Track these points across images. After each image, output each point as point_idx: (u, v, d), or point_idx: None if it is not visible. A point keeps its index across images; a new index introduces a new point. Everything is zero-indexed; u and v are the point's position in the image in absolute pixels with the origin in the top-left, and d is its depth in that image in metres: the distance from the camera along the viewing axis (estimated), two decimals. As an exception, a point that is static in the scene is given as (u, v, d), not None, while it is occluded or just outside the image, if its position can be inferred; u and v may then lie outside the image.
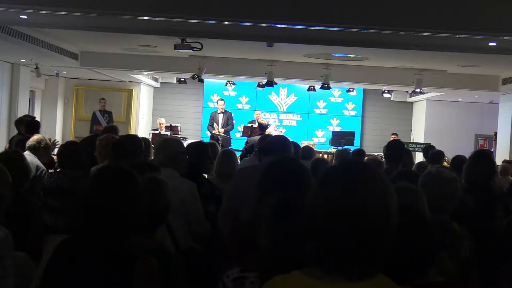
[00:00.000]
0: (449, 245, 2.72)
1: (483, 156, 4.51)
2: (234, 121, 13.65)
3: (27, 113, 12.07)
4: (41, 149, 5.64)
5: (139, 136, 5.23)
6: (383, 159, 6.34)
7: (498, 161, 8.71)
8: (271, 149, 4.06)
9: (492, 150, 12.20)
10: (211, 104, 16.08)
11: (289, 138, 4.28)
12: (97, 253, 2.05)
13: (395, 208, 1.45)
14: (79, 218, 2.14)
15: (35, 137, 5.83)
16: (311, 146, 10.54)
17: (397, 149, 5.55)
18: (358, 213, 1.40)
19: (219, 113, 13.60)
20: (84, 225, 2.10)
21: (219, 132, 13.04)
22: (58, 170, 4.83)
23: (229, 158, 5.41)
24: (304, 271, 1.45)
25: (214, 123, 13.40)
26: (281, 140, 4.19)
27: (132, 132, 14.21)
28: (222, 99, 14.21)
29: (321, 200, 1.44)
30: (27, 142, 5.73)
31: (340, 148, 11.02)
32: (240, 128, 12.76)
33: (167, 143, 4.26)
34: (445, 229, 2.83)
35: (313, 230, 1.44)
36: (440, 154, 7.08)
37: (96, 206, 2.10)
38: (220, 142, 12.61)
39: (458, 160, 5.68)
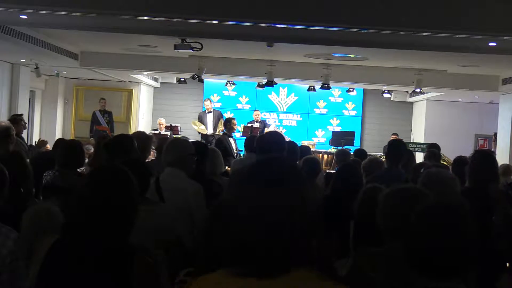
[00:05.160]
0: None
1: (487, 157, 4.47)
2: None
3: (27, 113, 12.07)
4: None
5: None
6: (383, 159, 6.36)
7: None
8: (265, 148, 4.17)
9: (492, 150, 12.19)
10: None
11: (285, 136, 4.37)
12: (95, 253, 2.05)
13: (301, 207, 1.41)
14: (77, 217, 2.13)
15: None
16: (311, 146, 10.55)
17: (398, 149, 5.58)
18: (264, 212, 1.37)
19: (208, 112, 13.65)
20: (83, 225, 2.10)
21: (203, 131, 13.07)
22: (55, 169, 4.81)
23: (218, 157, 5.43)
24: (229, 269, 1.42)
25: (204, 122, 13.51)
26: (274, 139, 4.28)
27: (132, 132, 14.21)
28: (208, 99, 14.39)
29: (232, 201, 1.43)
30: None
31: (340, 148, 11.03)
32: (240, 128, 12.74)
33: (176, 144, 4.32)
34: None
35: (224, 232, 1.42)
36: (438, 154, 7.17)
37: (97, 205, 2.10)
38: (218, 142, 12.60)
39: (459, 161, 5.63)
